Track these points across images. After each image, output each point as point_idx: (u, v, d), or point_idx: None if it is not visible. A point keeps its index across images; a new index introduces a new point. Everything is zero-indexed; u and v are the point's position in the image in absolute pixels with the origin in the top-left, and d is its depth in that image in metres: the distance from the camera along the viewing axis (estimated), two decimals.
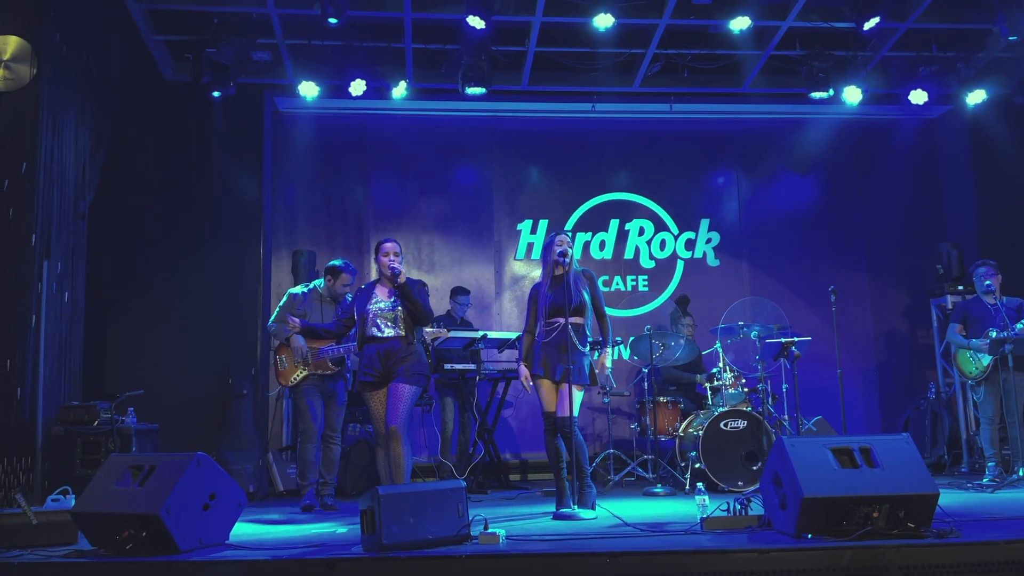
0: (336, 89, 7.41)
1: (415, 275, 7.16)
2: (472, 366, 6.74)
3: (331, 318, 5.67)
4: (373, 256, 5.08)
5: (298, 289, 5.93)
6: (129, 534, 3.74)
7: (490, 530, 3.81)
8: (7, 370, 5.49)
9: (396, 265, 4.85)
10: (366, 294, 4.98)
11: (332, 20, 6.24)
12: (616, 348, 7.62)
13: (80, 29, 6.33)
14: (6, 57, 5.75)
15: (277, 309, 5.85)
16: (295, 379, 5.63)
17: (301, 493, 5.68)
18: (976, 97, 7.79)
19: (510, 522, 4.58)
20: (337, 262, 5.84)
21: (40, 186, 5.76)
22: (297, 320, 5.43)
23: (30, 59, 5.77)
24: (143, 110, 7.48)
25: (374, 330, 4.84)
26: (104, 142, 6.93)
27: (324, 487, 5.70)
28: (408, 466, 4.72)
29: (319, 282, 5.87)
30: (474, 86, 7.17)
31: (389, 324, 4.83)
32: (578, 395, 4.83)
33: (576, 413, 4.79)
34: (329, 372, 5.65)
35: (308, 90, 7.43)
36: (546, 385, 4.91)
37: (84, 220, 6.57)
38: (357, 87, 7.17)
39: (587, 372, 4.92)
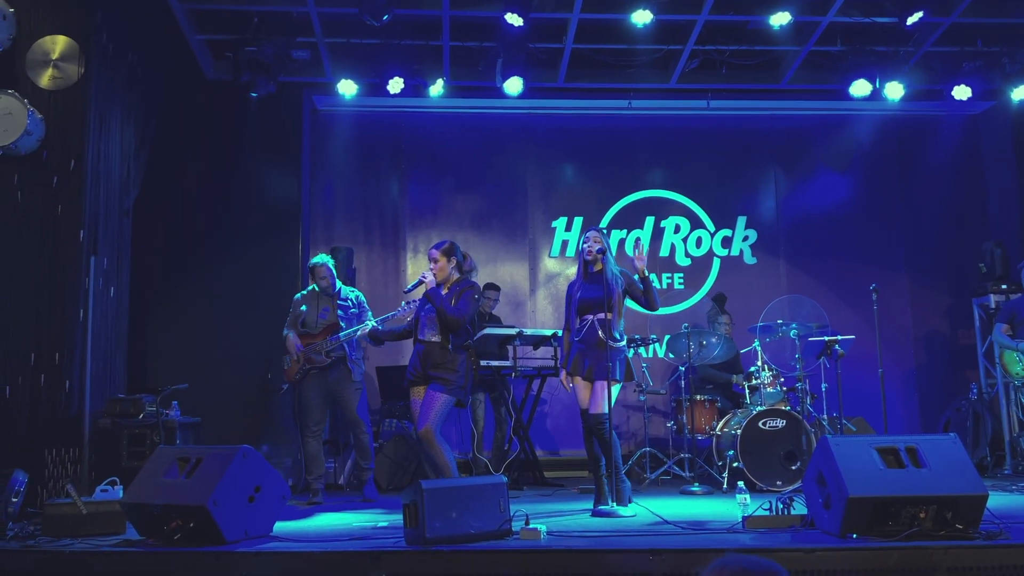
0: (374, 87, 7.46)
1: None
2: (508, 363, 6.76)
3: (325, 313, 5.97)
4: None
5: (299, 294, 6.23)
6: (177, 525, 3.81)
7: (531, 526, 3.83)
8: (56, 363, 5.60)
9: (421, 276, 5.00)
10: (423, 299, 5.08)
11: (385, 17, 6.29)
12: (652, 345, 7.60)
13: (126, 29, 6.44)
14: (55, 56, 5.87)
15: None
16: (297, 375, 5.90)
17: (312, 489, 5.78)
18: (1021, 92, 7.63)
19: (549, 518, 4.59)
20: (313, 259, 6.13)
21: (87, 183, 5.86)
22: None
23: (78, 58, 5.88)
24: (185, 109, 7.58)
25: (419, 333, 5.00)
26: (148, 140, 7.05)
27: (363, 474, 5.92)
28: (448, 465, 4.78)
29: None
30: (511, 83, 7.19)
31: (431, 328, 4.93)
32: (613, 390, 4.85)
33: (607, 409, 4.77)
34: (326, 363, 5.83)
35: (346, 88, 7.49)
36: (580, 383, 4.94)
37: (128, 217, 6.68)
38: (395, 85, 7.21)
39: (620, 368, 4.90)
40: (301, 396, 5.91)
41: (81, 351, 5.71)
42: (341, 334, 5.82)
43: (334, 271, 6.05)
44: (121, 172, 6.50)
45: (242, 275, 7.45)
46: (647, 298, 5.00)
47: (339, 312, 5.94)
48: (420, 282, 4.97)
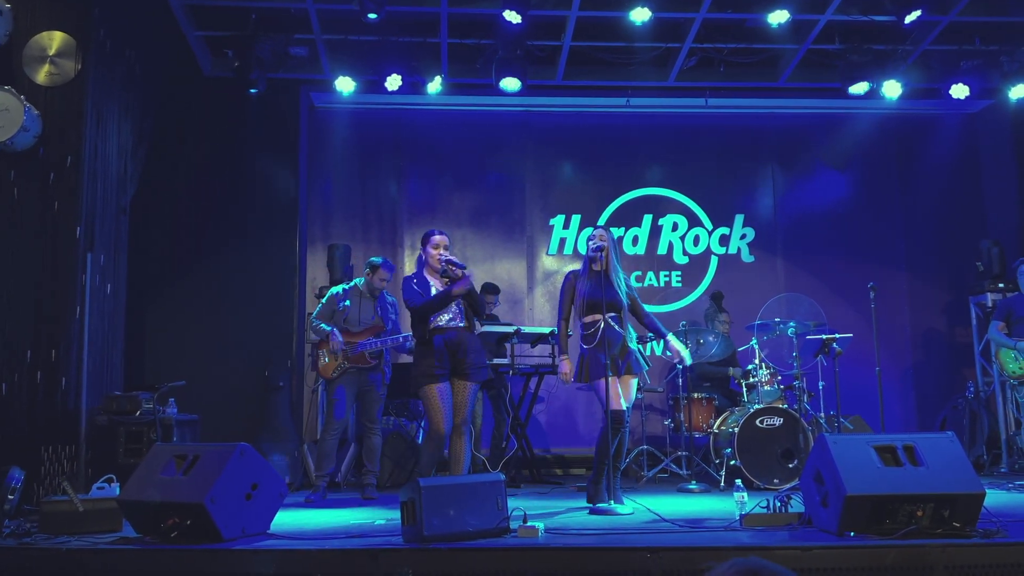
0: (372, 84, 7.45)
1: None
2: (505, 360, 6.75)
3: (369, 312, 6.02)
4: (421, 247, 5.09)
5: (338, 288, 6.23)
6: (174, 522, 3.80)
7: (528, 523, 3.83)
8: (52, 360, 5.59)
9: (458, 262, 4.84)
10: (425, 286, 4.87)
11: (371, 16, 6.27)
12: (650, 343, 7.60)
13: (124, 25, 6.42)
14: (52, 52, 5.85)
15: (319, 307, 6.15)
16: (335, 373, 5.89)
17: (314, 484, 5.85)
18: (1019, 91, 7.62)
19: (546, 516, 4.59)
20: (377, 259, 6.14)
21: (84, 180, 5.85)
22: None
23: (75, 55, 5.86)
24: (183, 106, 7.57)
25: (440, 320, 4.79)
26: (145, 137, 7.03)
27: (367, 476, 5.96)
28: (467, 462, 4.81)
29: (359, 280, 6.16)
30: (509, 81, 7.17)
31: (452, 314, 4.81)
32: (634, 383, 4.93)
33: (631, 404, 4.89)
34: (367, 365, 5.91)
35: (344, 85, 7.48)
36: (610, 384, 4.76)
37: (125, 214, 6.66)
38: (393, 82, 7.20)
39: (641, 358, 5.03)
40: (336, 392, 5.88)
41: (78, 348, 5.70)
42: (389, 339, 5.90)
43: None
44: (118, 169, 6.49)
45: (240, 272, 7.45)
46: (647, 319, 5.16)
47: (381, 316, 6.03)
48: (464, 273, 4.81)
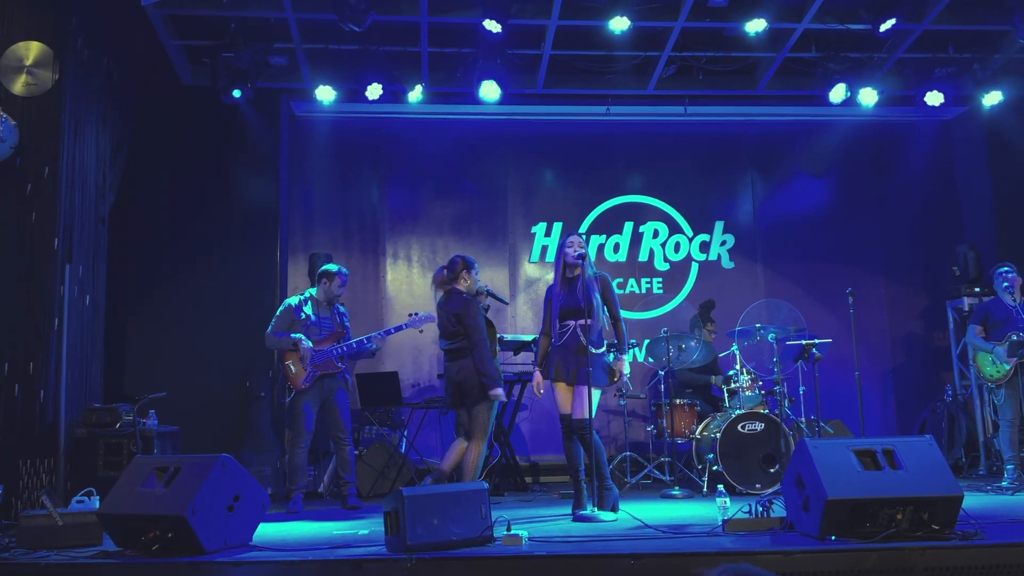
0: (353, 93, 7.45)
1: (427, 277, 7.34)
2: None
3: (328, 320, 5.99)
4: (466, 272, 5.40)
5: (293, 299, 6.10)
6: (155, 535, 3.77)
7: (512, 532, 3.84)
8: (30, 372, 5.53)
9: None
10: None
11: (354, 27, 6.28)
12: (631, 351, 7.63)
13: (101, 35, 6.38)
14: (29, 63, 5.80)
15: (274, 319, 6.05)
16: (305, 382, 5.82)
17: (288, 496, 5.79)
18: (992, 98, 7.76)
19: (530, 524, 4.60)
20: (331, 266, 6.14)
21: (62, 190, 5.80)
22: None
23: (52, 65, 5.81)
24: (162, 115, 7.52)
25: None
26: (124, 146, 6.98)
27: (344, 487, 5.89)
28: None
29: (312, 290, 6.13)
30: (489, 89, 7.20)
31: None
32: (594, 395, 4.84)
33: (593, 414, 4.80)
34: (337, 370, 5.89)
35: (325, 94, 7.47)
36: (561, 388, 4.95)
37: (104, 224, 6.62)
38: (373, 91, 7.19)
39: (604, 373, 4.94)
40: (302, 404, 5.81)
41: (56, 360, 5.64)
42: (355, 341, 5.92)
43: None
44: (97, 179, 6.44)
45: (220, 282, 7.40)
46: (615, 328, 5.13)
47: (340, 322, 6.04)
48: None
